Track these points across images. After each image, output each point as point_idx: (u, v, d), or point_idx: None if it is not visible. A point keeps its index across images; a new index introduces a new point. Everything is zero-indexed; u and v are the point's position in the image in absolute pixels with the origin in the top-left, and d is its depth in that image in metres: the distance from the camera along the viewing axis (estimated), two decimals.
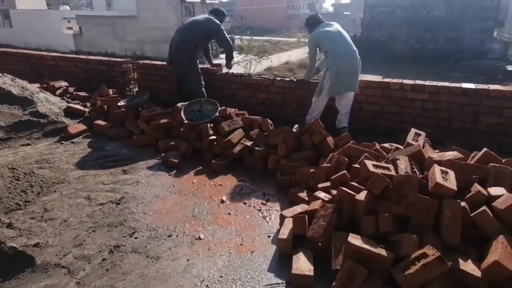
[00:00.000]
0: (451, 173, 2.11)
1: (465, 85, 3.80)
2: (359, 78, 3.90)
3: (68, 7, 40.73)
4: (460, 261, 1.80)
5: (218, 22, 4.34)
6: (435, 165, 2.17)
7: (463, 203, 1.97)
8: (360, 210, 2.12)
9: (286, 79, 4.67)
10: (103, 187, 2.89)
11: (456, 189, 1.97)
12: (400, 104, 4.00)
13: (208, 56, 4.93)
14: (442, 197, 1.99)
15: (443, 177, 2.08)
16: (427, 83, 3.93)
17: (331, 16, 61.75)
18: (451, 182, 2.03)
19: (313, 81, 4.43)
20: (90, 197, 2.73)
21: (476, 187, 2.06)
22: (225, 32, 4.36)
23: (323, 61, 4.08)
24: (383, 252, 1.82)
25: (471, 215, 1.95)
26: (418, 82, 3.95)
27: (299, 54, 29.58)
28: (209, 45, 4.80)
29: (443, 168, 2.15)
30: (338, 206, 2.19)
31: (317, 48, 3.91)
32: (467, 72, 20.80)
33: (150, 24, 29.12)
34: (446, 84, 3.86)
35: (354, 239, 1.88)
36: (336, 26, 3.93)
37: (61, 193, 2.80)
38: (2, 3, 41.54)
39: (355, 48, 3.87)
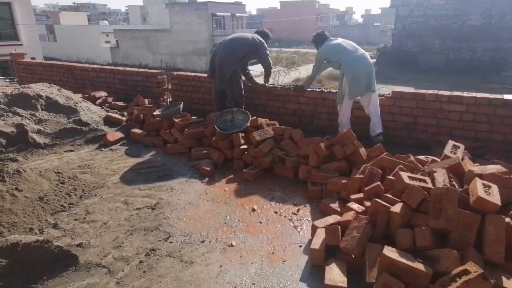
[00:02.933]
0: (494, 187, 2.03)
1: (508, 96, 3.64)
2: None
3: (107, 22, 43.15)
4: (504, 279, 1.72)
5: (263, 42, 4.53)
6: (477, 178, 2.09)
7: (507, 219, 1.88)
8: (395, 222, 2.08)
9: (287, 86, 4.93)
10: (139, 193, 3.01)
11: (500, 204, 1.89)
12: (435, 115, 3.89)
13: (248, 76, 4.85)
14: (485, 212, 1.92)
15: (486, 191, 2.00)
16: (465, 94, 3.80)
17: (362, 28, 61.22)
18: (495, 196, 1.94)
19: (310, 89, 4.66)
20: (127, 201, 2.86)
21: None
22: (268, 52, 4.56)
23: (340, 70, 4.15)
24: (421, 266, 1.76)
25: None
26: (455, 93, 3.83)
27: None
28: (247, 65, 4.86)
29: (485, 182, 2.07)
30: (372, 218, 2.16)
31: (325, 61, 4.22)
32: (506, 83, 19.80)
33: (182, 37, 30.23)
34: (486, 95, 3.72)
35: (390, 252, 1.84)
36: (341, 39, 4.22)
37: (101, 197, 2.95)
38: (47, 19, 44.70)
39: (366, 52, 4.07)
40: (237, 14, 33.54)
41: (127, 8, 55.73)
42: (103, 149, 4.03)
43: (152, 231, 2.46)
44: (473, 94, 3.76)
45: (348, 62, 3.95)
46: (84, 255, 2.19)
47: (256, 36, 4.54)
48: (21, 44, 19.36)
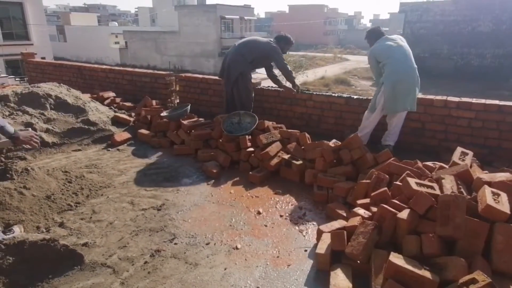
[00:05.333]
0: (504, 196, 2.00)
1: None
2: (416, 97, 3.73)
3: (116, 23, 43.61)
4: None
5: (277, 47, 4.35)
6: (486, 186, 2.07)
7: None
8: (402, 229, 2.06)
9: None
10: (145, 193, 3.02)
11: (509, 212, 1.86)
12: (443, 121, 3.85)
13: (277, 81, 4.80)
14: (493, 220, 1.89)
15: (495, 199, 1.97)
16: (473, 100, 3.76)
17: None
18: (504, 205, 1.91)
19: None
20: (133, 202, 2.87)
21: None
22: (282, 57, 4.36)
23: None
24: (427, 274, 1.74)
25: None
26: (464, 99, 3.79)
27: (335, 69, 29.43)
28: (272, 69, 4.75)
29: (494, 190, 2.04)
30: (379, 224, 2.14)
31: (378, 62, 3.76)
32: None
33: (190, 39, 30.45)
34: (496, 102, 3.68)
35: (396, 259, 1.82)
36: (398, 41, 3.76)
37: (108, 197, 2.96)
38: (58, 19, 45.34)
39: (415, 65, 3.70)
40: (245, 17, 33.67)
41: (136, 9, 56.32)
42: (110, 149, 4.06)
43: (158, 232, 2.46)
44: (482, 101, 3.72)
45: (392, 72, 3.58)
46: (89, 254, 2.20)
47: (271, 41, 4.45)
48: (32, 44, 19.68)
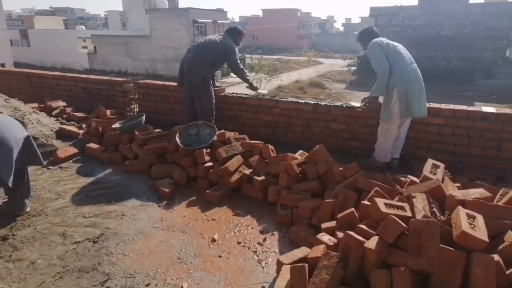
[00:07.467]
0: (479, 218, 1.77)
1: (486, 109, 3.48)
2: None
3: (84, 27, 42.06)
4: None
5: (232, 45, 4.15)
6: (460, 207, 1.83)
7: (496, 257, 1.62)
8: (370, 261, 1.79)
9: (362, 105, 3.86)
10: (82, 221, 2.61)
11: (487, 240, 1.63)
12: (413, 128, 3.67)
13: (212, 80, 4.70)
14: (470, 249, 1.65)
15: (470, 223, 1.73)
16: (443, 106, 3.60)
17: (342, 36, 62.24)
18: (481, 230, 1.68)
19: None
20: (65, 233, 2.45)
21: (511, 236, 1.71)
22: (237, 56, 4.16)
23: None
24: None
25: (507, 272, 1.60)
26: (433, 105, 3.63)
27: (309, 72, 29.57)
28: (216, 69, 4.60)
29: (469, 212, 1.81)
30: (344, 255, 1.86)
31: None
32: (479, 91, 20.36)
33: (162, 43, 29.70)
34: (464, 107, 3.54)
35: None
36: (395, 43, 3.48)
37: (35, 228, 2.53)
38: (22, 24, 43.19)
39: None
40: (218, 21, 33.28)
41: (106, 13, 54.68)
42: (51, 167, 3.59)
43: (88, 272, 2.07)
44: (451, 106, 3.57)
45: (402, 73, 3.23)
46: None
47: (225, 39, 4.19)
48: None
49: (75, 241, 2.36)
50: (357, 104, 4.00)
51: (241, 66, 4.25)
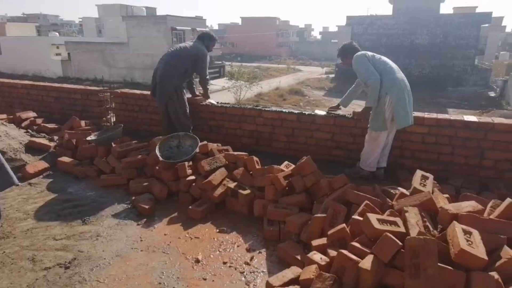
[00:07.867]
0: (476, 234, 1.72)
1: (467, 118, 3.51)
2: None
3: (57, 33, 40.83)
4: None
5: (204, 51, 4.10)
6: (455, 223, 1.78)
7: (495, 275, 1.57)
8: (365, 282, 1.69)
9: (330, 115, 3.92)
10: (53, 244, 2.39)
11: (486, 258, 1.57)
12: (398, 137, 3.66)
13: (192, 88, 4.63)
14: (469, 267, 1.59)
15: (467, 239, 1.68)
16: (426, 115, 3.62)
17: (320, 44, 63.41)
18: (479, 247, 1.63)
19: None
20: (35, 258, 2.23)
21: (508, 252, 1.67)
22: (207, 63, 4.13)
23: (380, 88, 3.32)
24: None
25: None
26: (417, 113, 3.63)
27: (289, 80, 29.82)
28: (192, 77, 4.51)
29: (465, 227, 1.76)
30: (338, 276, 1.76)
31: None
32: (452, 98, 21.17)
33: (140, 51, 29.17)
34: (447, 116, 3.56)
35: None
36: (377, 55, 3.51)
37: (4, 252, 2.30)
38: None
39: None
40: (197, 29, 33.10)
41: (80, 19, 53.37)
42: (20, 183, 3.32)
43: None
44: (434, 115, 3.59)
45: (393, 81, 3.23)
46: None
47: (197, 45, 4.10)
48: None
49: (45, 266, 2.15)
50: (323, 113, 4.02)
51: (207, 76, 4.24)
